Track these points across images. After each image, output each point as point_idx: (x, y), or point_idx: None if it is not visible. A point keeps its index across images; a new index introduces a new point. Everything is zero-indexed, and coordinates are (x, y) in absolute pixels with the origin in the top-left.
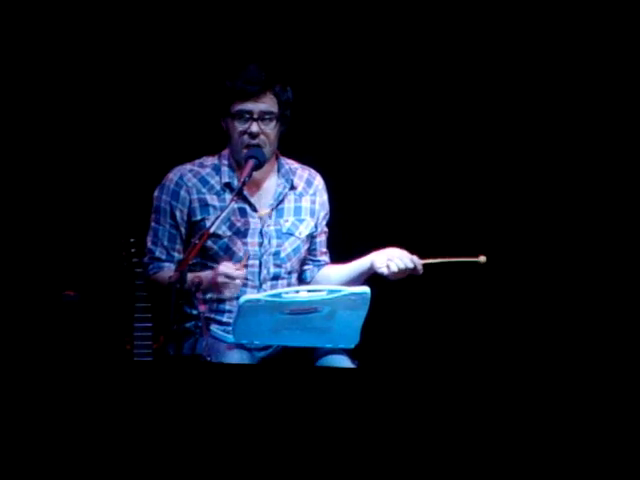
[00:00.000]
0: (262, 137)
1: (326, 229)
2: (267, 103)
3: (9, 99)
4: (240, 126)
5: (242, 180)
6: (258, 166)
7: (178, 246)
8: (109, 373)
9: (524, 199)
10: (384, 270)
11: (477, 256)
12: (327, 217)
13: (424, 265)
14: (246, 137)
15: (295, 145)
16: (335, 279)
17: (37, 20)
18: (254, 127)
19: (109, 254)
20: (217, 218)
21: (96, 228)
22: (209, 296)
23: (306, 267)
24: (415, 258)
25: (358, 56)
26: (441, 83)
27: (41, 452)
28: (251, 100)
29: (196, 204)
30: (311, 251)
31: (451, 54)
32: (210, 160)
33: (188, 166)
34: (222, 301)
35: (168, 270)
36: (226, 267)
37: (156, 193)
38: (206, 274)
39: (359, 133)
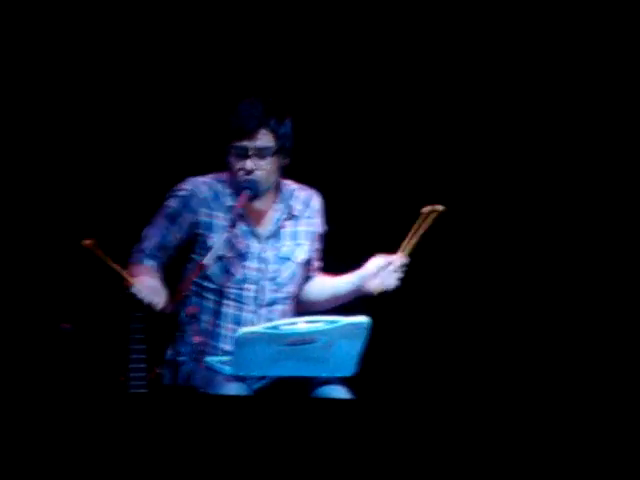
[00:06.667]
0: (258, 173)
1: (318, 245)
2: (262, 139)
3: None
4: (237, 163)
5: (236, 212)
6: (252, 197)
7: (167, 248)
8: (104, 405)
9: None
10: (383, 289)
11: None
12: (322, 236)
13: (409, 253)
14: (242, 173)
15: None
16: (319, 293)
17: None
18: (248, 164)
19: (105, 286)
20: (209, 250)
21: (92, 259)
22: (204, 327)
23: None
24: (396, 257)
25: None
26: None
27: None
28: (246, 138)
29: (203, 217)
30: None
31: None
32: (224, 176)
33: (201, 179)
34: (218, 332)
35: (144, 267)
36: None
37: (167, 199)
38: None
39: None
